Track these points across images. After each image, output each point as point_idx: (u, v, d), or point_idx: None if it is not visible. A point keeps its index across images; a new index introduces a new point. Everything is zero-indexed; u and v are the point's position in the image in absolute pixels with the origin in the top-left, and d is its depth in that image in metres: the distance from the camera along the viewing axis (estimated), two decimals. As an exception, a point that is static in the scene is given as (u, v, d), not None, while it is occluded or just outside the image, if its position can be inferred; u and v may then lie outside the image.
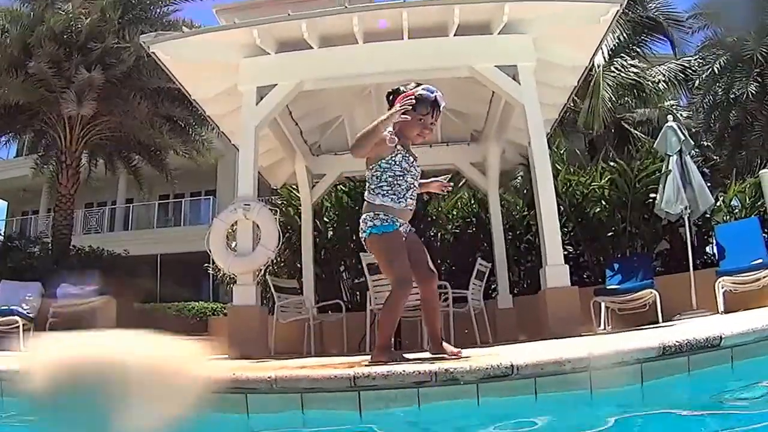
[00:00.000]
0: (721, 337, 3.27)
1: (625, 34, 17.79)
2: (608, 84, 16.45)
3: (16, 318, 10.08)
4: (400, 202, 4.13)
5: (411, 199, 4.21)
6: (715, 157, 19.82)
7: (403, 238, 4.16)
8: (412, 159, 4.22)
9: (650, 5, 19.07)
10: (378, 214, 4.10)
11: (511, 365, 2.93)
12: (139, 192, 23.86)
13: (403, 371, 3.05)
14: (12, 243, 18.18)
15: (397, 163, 4.13)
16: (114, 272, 14.46)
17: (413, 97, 4.06)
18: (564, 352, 3.20)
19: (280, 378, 3.12)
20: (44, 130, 19.05)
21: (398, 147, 4.16)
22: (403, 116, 4.02)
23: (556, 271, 7.31)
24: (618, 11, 7.92)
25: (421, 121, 4.12)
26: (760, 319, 3.66)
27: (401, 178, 4.14)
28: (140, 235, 28.11)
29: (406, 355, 4.28)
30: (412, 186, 4.20)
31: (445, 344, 4.19)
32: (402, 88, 4.23)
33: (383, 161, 4.14)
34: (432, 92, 4.17)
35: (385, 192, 4.13)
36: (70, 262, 15.86)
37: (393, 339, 4.32)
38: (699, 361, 3.24)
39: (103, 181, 22.99)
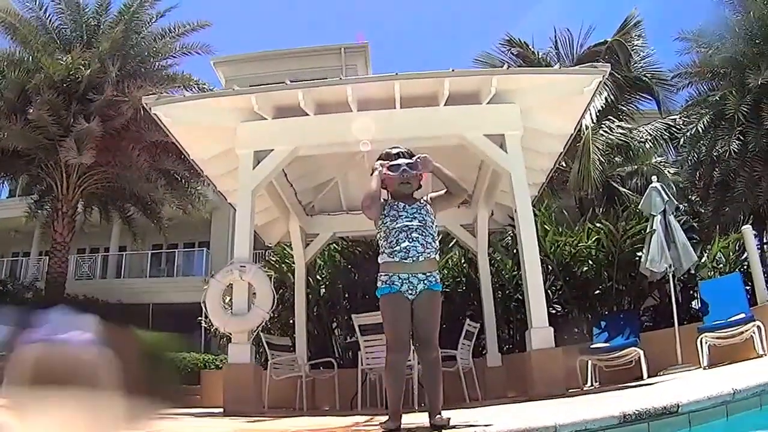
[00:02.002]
0: (678, 405, 3.51)
1: (612, 96, 18.19)
2: (597, 147, 16.76)
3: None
4: (393, 254, 4.03)
5: (408, 242, 4.02)
6: (702, 211, 20.00)
7: (406, 299, 3.98)
8: (402, 204, 4.19)
9: (636, 66, 19.50)
10: (380, 275, 4.09)
11: (484, 434, 3.17)
12: (132, 242, 23.90)
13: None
14: (4, 288, 18.08)
15: (386, 214, 4.18)
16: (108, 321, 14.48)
17: (385, 170, 4.23)
18: (536, 419, 3.44)
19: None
20: (41, 176, 19.21)
21: (386, 201, 4.28)
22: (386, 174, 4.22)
23: (541, 334, 7.52)
24: (600, 81, 8.28)
25: (396, 175, 4.20)
26: (720, 385, 3.93)
27: (392, 223, 4.12)
28: (132, 283, 28.08)
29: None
30: (405, 228, 4.07)
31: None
32: (387, 150, 4.41)
33: (380, 222, 4.21)
34: (391, 156, 4.32)
35: (383, 249, 4.14)
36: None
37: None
38: (659, 426, 3.44)
39: (97, 227, 23.03)
